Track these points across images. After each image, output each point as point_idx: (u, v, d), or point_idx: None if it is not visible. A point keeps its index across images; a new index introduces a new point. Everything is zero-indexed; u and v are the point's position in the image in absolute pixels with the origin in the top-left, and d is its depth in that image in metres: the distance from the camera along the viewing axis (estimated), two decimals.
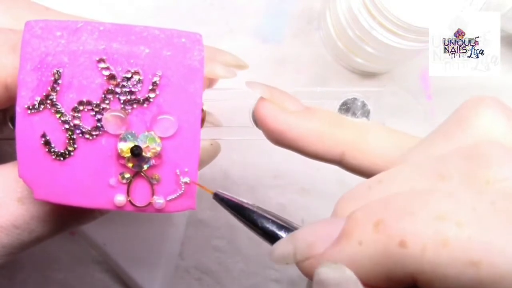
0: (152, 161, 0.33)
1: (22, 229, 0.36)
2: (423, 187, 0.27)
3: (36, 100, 0.32)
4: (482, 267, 0.22)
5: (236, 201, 0.33)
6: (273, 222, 0.31)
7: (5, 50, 0.35)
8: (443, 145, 0.29)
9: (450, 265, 0.23)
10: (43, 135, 0.33)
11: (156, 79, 0.33)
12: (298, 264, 0.28)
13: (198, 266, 0.61)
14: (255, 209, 0.32)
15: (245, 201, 0.33)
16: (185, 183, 0.34)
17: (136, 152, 0.33)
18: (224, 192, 0.33)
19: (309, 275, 0.27)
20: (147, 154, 0.33)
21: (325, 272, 0.25)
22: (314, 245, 0.27)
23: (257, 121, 0.35)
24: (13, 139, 0.41)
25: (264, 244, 0.59)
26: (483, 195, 0.24)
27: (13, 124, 0.41)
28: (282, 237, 0.30)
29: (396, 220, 0.25)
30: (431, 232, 0.23)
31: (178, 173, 0.34)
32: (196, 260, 0.61)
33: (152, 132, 0.33)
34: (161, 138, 0.33)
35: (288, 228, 0.31)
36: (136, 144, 0.33)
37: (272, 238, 0.31)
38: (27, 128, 0.33)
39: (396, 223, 0.24)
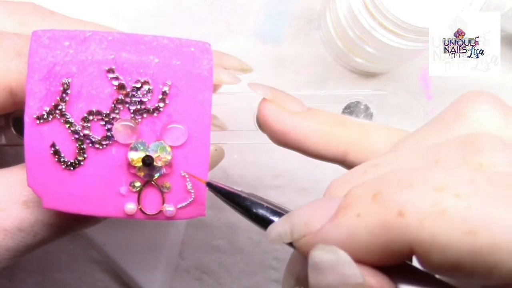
0: (163, 170, 0.34)
1: (26, 233, 0.36)
2: (419, 166, 0.27)
3: (45, 110, 0.32)
4: (479, 236, 0.22)
5: (229, 189, 0.33)
6: (267, 208, 0.31)
7: (10, 55, 0.35)
8: (439, 135, 0.29)
9: (447, 234, 0.23)
10: (53, 145, 0.33)
11: (165, 88, 0.33)
12: (295, 242, 0.28)
13: (198, 266, 0.61)
14: (248, 197, 0.32)
15: (238, 189, 0.33)
16: (183, 176, 0.34)
17: (148, 162, 0.33)
18: (217, 182, 0.33)
19: (306, 254, 0.27)
20: (158, 163, 0.33)
21: (319, 255, 0.26)
22: (310, 222, 0.27)
23: (260, 122, 0.35)
24: (17, 145, 0.41)
25: (264, 243, 0.59)
26: (479, 171, 0.25)
27: (16, 128, 0.41)
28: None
29: (394, 191, 0.25)
30: (429, 203, 0.23)
31: (183, 174, 0.34)
32: (196, 260, 0.61)
33: (163, 141, 0.33)
34: (172, 147, 0.33)
35: (282, 213, 0.31)
36: (148, 154, 0.33)
37: (266, 223, 0.30)
38: (36, 138, 0.33)
39: (395, 194, 0.25)
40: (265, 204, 0.31)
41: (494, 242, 0.22)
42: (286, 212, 0.31)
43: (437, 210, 0.23)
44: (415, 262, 0.26)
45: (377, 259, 0.26)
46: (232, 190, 0.33)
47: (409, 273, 0.27)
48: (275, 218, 0.31)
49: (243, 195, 0.32)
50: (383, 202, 0.25)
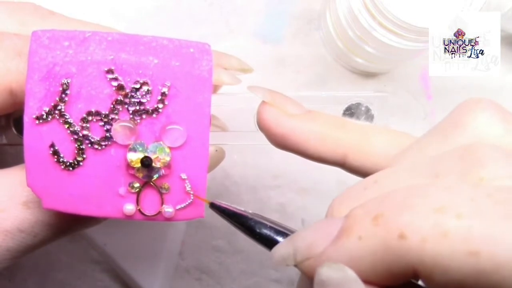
0: (162, 171, 0.34)
1: (27, 233, 0.36)
2: (419, 184, 0.27)
3: (44, 111, 0.32)
4: (481, 257, 0.22)
5: (233, 209, 0.33)
6: (271, 228, 0.31)
7: (10, 55, 0.35)
8: (439, 145, 0.29)
9: (450, 256, 0.23)
10: (52, 145, 0.33)
11: (165, 89, 0.33)
12: (299, 265, 0.28)
13: (198, 266, 0.61)
14: (252, 216, 0.32)
15: (242, 209, 0.33)
16: (189, 191, 0.34)
17: (146, 163, 0.33)
18: (221, 202, 0.33)
19: (310, 276, 0.27)
20: (157, 164, 0.33)
21: (325, 272, 0.25)
22: (313, 245, 0.27)
23: (259, 125, 0.35)
24: (17, 144, 0.41)
25: None
26: (479, 188, 0.24)
27: (16, 128, 0.41)
28: (280, 242, 0.30)
29: (395, 213, 0.25)
30: (431, 224, 0.23)
31: (185, 177, 0.34)
32: (196, 260, 0.61)
33: (162, 142, 0.33)
34: (170, 148, 0.33)
35: (286, 233, 0.31)
36: (146, 155, 0.33)
37: (270, 243, 0.31)
38: (36, 138, 0.33)
39: (395, 216, 0.24)
40: (269, 224, 0.31)
41: (497, 262, 0.22)
42: (290, 232, 0.31)
43: (438, 231, 0.23)
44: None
45: (381, 280, 0.26)
46: (236, 210, 0.33)
47: None
48: (279, 238, 0.31)
49: (247, 215, 0.32)
50: (384, 225, 0.25)
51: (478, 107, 0.29)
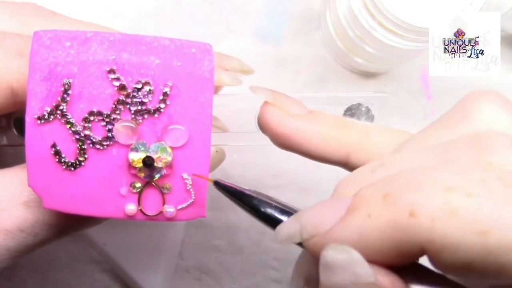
0: (164, 171, 0.34)
1: (27, 233, 0.36)
2: (429, 166, 0.27)
3: (46, 111, 0.32)
4: (491, 237, 0.22)
5: (237, 188, 0.33)
6: (276, 207, 0.31)
7: (12, 55, 0.35)
8: (444, 134, 0.29)
9: (459, 234, 0.23)
10: (53, 145, 0.33)
11: (166, 89, 0.33)
12: (304, 242, 0.28)
13: (198, 266, 0.61)
14: (257, 196, 0.32)
15: (246, 188, 0.33)
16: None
17: (148, 163, 0.33)
18: (224, 180, 0.33)
19: (316, 254, 0.27)
20: (158, 164, 0.33)
21: (331, 254, 0.26)
22: (320, 223, 0.27)
23: (262, 126, 0.35)
24: (18, 145, 0.41)
25: (264, 243, 0.59)
26: (490, 171, 0.25)
27: (17, 129, 0.41)
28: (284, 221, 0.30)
29: (405, 191, 0.25)
30: (441, 203, 0.23)
31: (186, 176, 0.34)
32: (196, 260, 0.61)
33: (163, 142, 0.33)
34: (172, 148, 0.33)
35: (291, 212, 0.31)
36: (148, 154, 0.33)
37: (274, 223, 0.30)
38: (37, 138, 0.33)
39: (406, 194, 0.25)
40: (274, 203, 0.31)
41: (505, 242, 0.22)
42: (295, 211, 0.31)
43: (448, 210, 0.23)
44: (423, 262, 0.26)
45: (387, 259, 0.26)
46: (240, 189, 0.33)
47: (419, 273, 0.27)
48: (283, 218, 0.31)
49: (251, 194, 0.32)
50: (394, 203, 0.25)
51: (484, 98, 0.29)
